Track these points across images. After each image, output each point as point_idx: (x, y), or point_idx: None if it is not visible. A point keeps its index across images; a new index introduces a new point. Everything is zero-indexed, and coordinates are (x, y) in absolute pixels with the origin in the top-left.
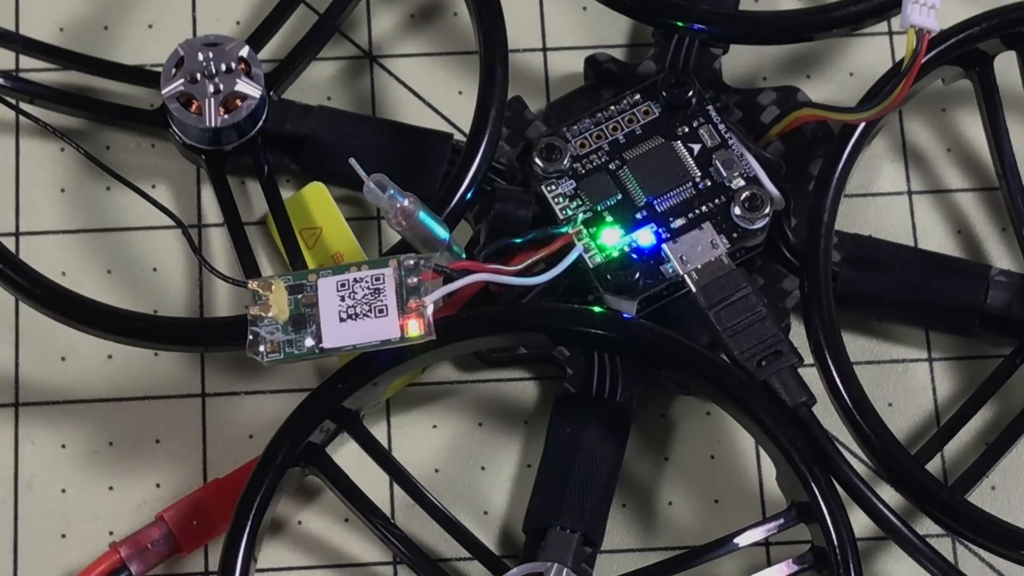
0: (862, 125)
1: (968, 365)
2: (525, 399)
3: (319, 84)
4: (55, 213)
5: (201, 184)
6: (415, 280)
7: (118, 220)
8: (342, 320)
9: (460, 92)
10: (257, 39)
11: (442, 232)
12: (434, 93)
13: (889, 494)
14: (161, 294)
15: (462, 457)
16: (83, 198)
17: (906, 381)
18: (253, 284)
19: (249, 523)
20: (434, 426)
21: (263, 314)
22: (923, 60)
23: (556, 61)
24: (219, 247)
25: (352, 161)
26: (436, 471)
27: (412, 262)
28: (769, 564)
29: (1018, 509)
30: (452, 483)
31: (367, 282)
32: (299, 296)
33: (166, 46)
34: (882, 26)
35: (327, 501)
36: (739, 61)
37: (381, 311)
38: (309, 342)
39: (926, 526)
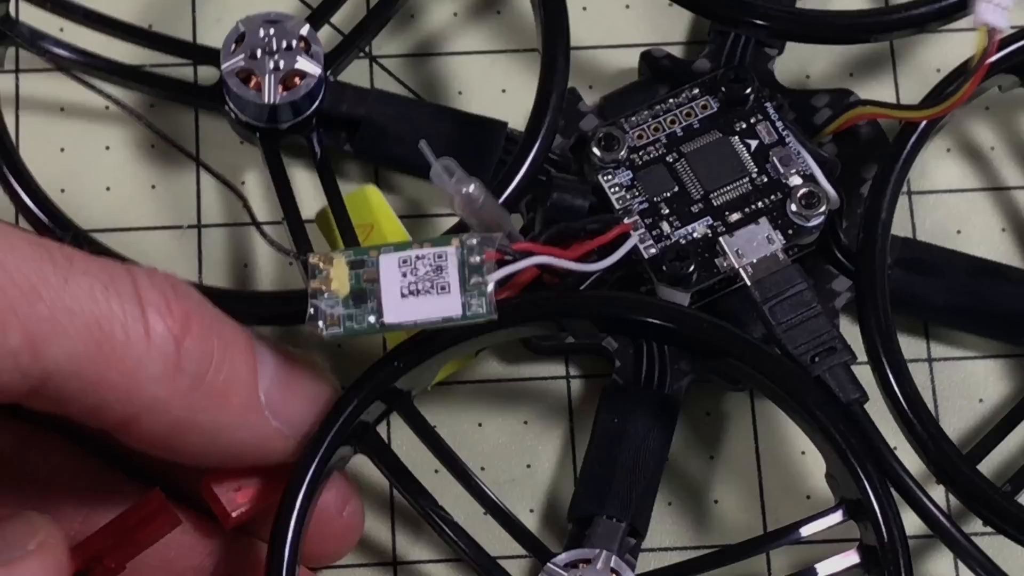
0: (923, 124)
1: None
2: (528, 399)
3: None
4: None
5: (201, 185)
6: (477, 259)
7: (118, 220)
8: (404, 296)
9: (460, 92)
10: (318, 17)
11: (503, 218)
12: (435, 94)
13: (936, 492)
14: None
15: (464, 457)
16: (83, 198)
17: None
18: (314, 258)
19: (299, 501)
20: (434, 426)
21: (324, 288)
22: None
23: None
24: (219, 248)
25: (423, 144)
26: (435, 471)
27: (475, 241)
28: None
29: None
30: (453, 483)
31: (429, 259)
32: (360, 271)
33: None
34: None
35: None
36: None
37: (443, 288)
38: (371, 317)
39: (972, 524)
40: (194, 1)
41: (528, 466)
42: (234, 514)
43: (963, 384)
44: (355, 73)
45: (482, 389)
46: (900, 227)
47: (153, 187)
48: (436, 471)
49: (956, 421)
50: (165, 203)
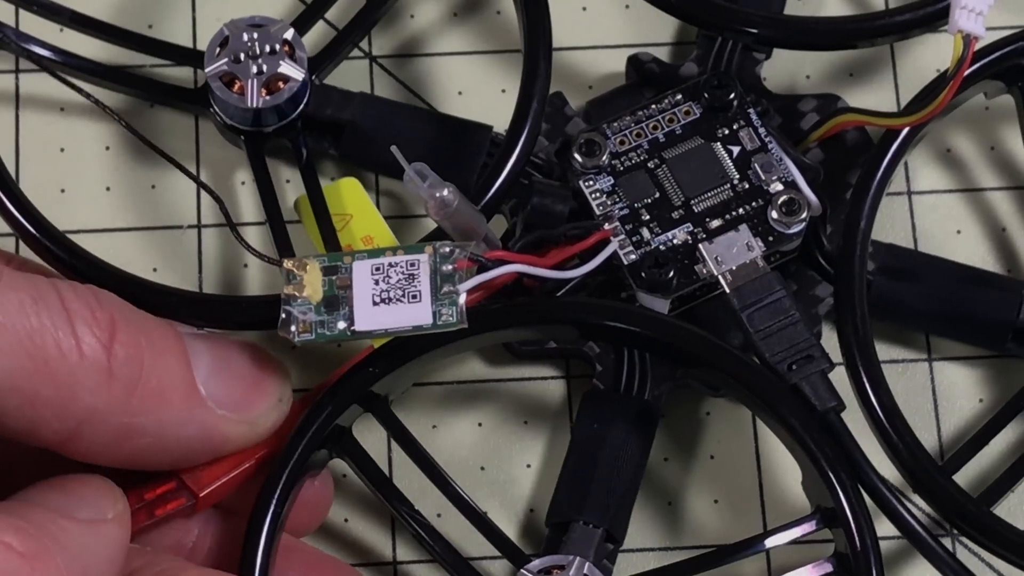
0: (905, 131)
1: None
2: (528, 399)
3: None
4: (55, 214)
5: (200, 188)
6: (450, 267)
7: (117, 220)
8: (375, 304)
9: (460, 92)
10: (303, 21)
11: (479, 223)
12: (435, 94)
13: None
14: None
15: (463, 458)
16: (83, 199)
17: (906, 381)
18: (288, 263)
19: (273, 505)
20: (434, 426)
21: (296, 294)
22: (968, 69)
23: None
24: (219, 248)
25: (394, 149)
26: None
27: (448, 249)
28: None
29: None
30: (467, 480)
31: (402, 267)
32: (333, 278)
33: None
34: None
35: None
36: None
37: (414, 296)
38: (341, 324)
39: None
40: (194, 1)
41: (528, 466)
42: (202, 494)
43: (963, 384)
44: (355, 73)
45: (482, 389)
46: (900, 227)
47: (153, 187)
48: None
49: (956, 421)
50: (165, 203)
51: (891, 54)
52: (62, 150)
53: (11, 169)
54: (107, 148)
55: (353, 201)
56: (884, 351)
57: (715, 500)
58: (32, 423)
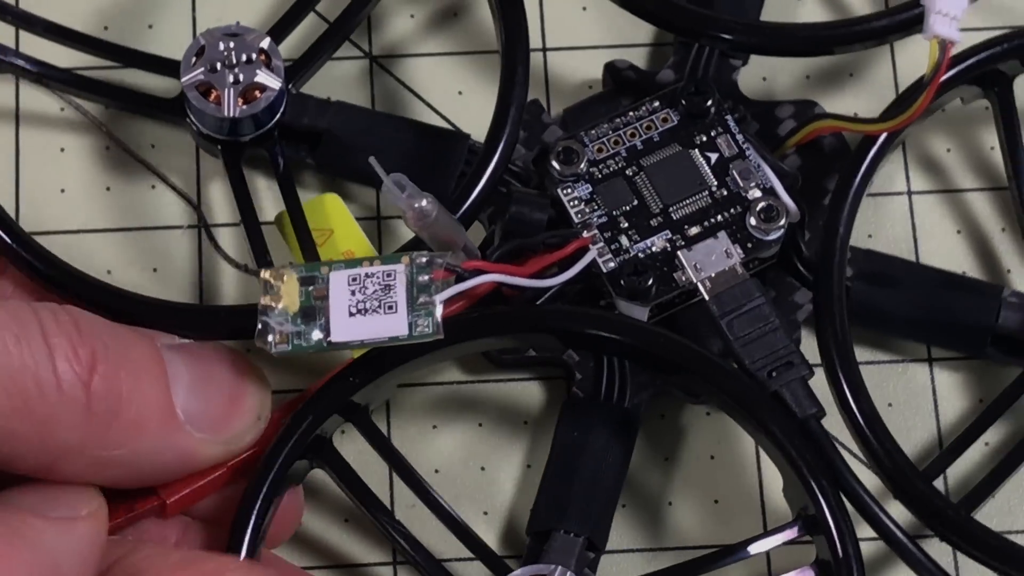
0: (882, 137)
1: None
2: (526, 400)
3: (317, 84)
4: (55, 214)
5: (201, 186)
6: (426, 278)
7: (117, 221)
8: (352, 315)
9: (460, 92)
10: (279, 30)
11: (458, 233)
12: (434, 94)
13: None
14: (161, 295)
15: (462, 458)
16: (83, 198)
17: (906, 381)
18: (266, 273)
19: (254, 517)
20: (434, 426)
21: (274, 304)
22: (945, 75)
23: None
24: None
25: (372, 160)
26: (436, 471)
27: (424, 260)
28: (770, 573)
29: None
30: (451, 484)
31: (378, 277)
32: (310, 288)
33: (166, 47)
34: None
35: (326, 501)
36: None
37: (391, 307)
38: (317, 335)
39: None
40: (194, 1)
41: (528, 466)
42: (170, 501)
43: (963, 384)
44: (355, 74)
45: (482, 389)
46: (900, 227)
47: (153, 187)
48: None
49: (956, 422)
50: (165, 203)
51: (891, 54)
52: (62, 150)
53: (11, 169)
54: (107, 148)
55: (335, 216)
56: (883, 353)
57: (715, 501)
58: (8, 457)
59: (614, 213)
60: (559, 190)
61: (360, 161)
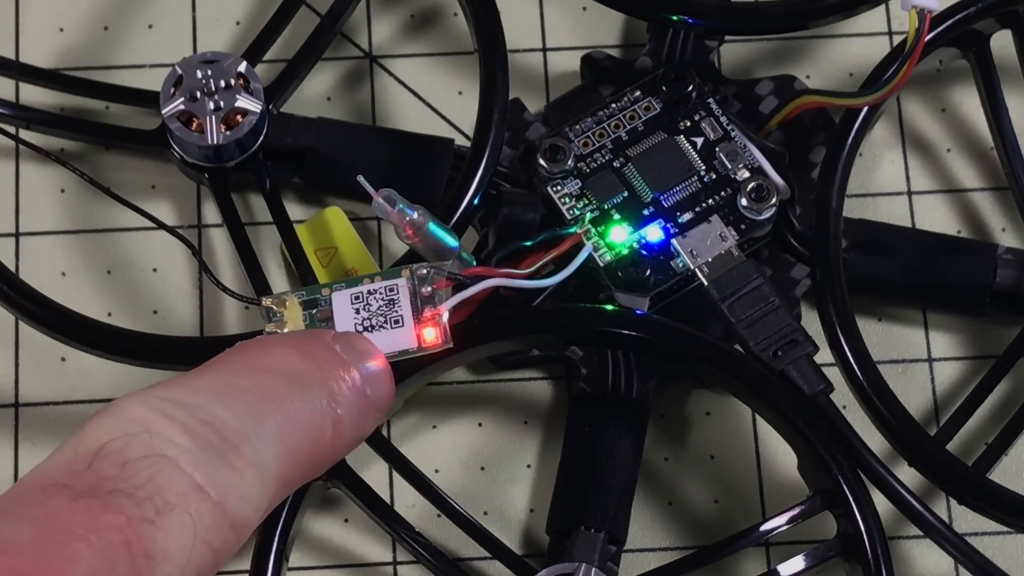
0: (865, 110)
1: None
2: (526, 399)
3: (317, 85)
4: (55, 213)
5: (202, 198)
6: (429, 289)
7: (117, 221)
8: (359, 333)
9: (460, 92)
10: (254, 52)
11: (452, 241)
12: (434, 94)
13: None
14: (161, 295)
15: (462, 458)
16: (83, 198)
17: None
18: (267, 301)
19: (275, 543)
20: (434, 426)
21: (278, 331)
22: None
23: (552, 61)
24: (221, 248)
25: (360, 178)
26: (436, 471)
27: (425, 271)
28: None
29: None
30: (452, 483)
31: (381, 293)
32: (314, 311)
33: (166, 47)
34: (882, 25)
35: (326, 501)
36: (735, 52)
37: (397, 322)
38: None
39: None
40: (194, 1)
41: (528, 466)
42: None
43: (963, 384)
44: (354, 73)
45: (482, 389)
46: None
47: (153, 187)
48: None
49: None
50: (166, 203)
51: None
52: (62, 150)
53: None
54: (106, 148)
55: (339, 232)
56: (884, 352)
57: (715, 500)
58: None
59: (606, 206)
60: (548, 188)
61: (347, 177)
